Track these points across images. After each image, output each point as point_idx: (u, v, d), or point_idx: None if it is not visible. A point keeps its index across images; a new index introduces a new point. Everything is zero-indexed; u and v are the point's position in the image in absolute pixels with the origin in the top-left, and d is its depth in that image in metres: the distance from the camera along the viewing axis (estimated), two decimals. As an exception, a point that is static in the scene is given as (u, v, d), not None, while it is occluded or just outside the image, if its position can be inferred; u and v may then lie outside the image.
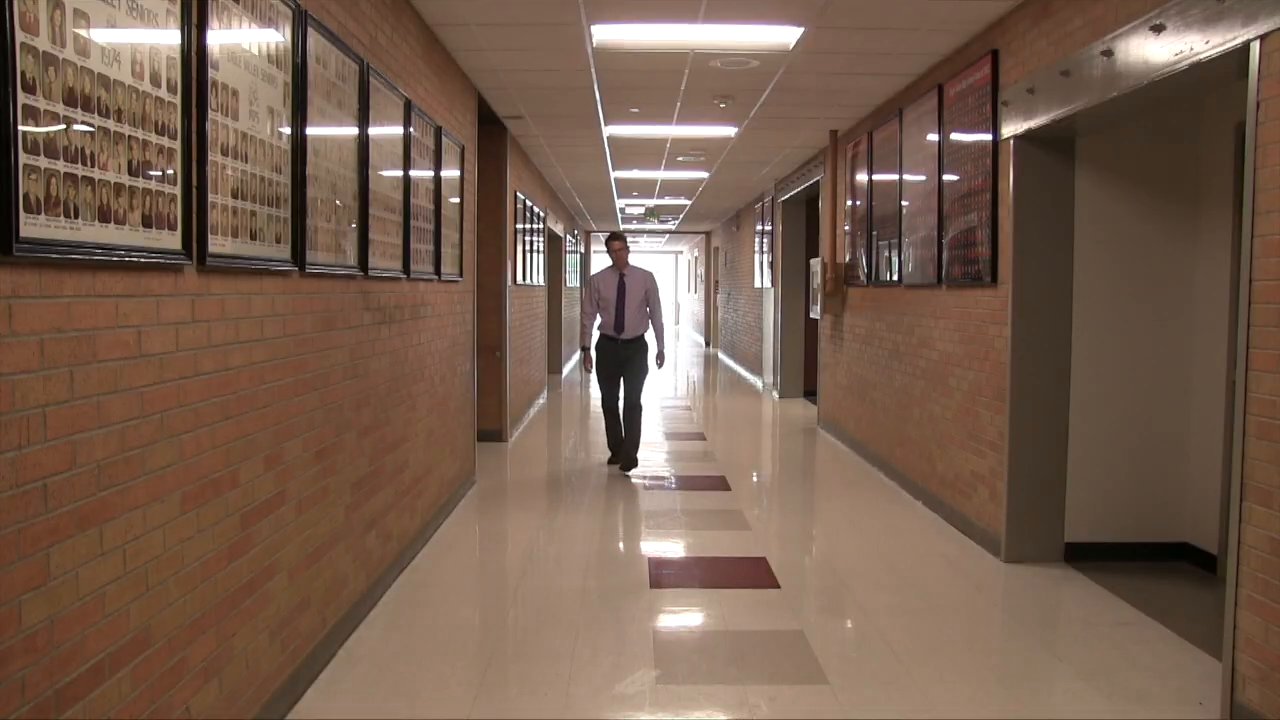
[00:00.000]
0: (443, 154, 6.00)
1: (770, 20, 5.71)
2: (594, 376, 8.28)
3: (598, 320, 8.16)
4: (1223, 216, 5.02)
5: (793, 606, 4.68)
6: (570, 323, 18.00)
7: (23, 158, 1.93)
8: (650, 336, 8.18)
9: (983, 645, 4.33)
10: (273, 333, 3.30)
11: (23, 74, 1.92)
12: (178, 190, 2.58)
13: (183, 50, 2.58)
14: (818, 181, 10.58)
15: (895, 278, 7.50)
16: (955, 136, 6.12)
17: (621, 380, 8.04)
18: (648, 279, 8.11)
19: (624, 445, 7.98)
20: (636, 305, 7.97)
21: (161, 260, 2.50)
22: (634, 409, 7.99)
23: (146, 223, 2.42)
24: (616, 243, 8.13)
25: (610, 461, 8.27)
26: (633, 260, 8.22)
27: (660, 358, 8.30)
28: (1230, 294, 4.91)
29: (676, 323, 38.07)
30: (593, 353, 8.24)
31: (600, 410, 8.50)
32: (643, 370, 8.04)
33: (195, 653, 2.75)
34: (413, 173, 5.21)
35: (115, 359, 2.33)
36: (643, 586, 4.94)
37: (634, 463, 7.94)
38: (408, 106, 5.09)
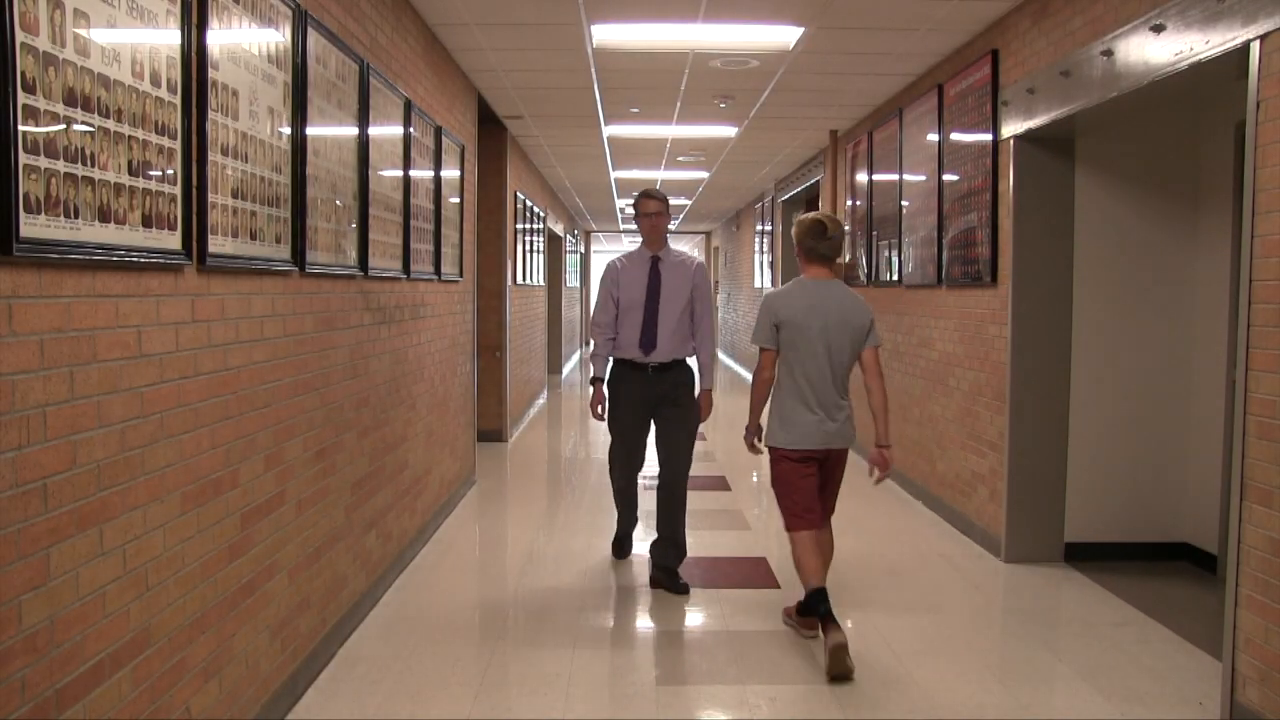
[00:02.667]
0: (443, 154, 5.99)
1: (770, 20, 5.71)
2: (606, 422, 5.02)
3: (609, 344, 4.96)
4: (1223, 216, 5.02)
5: (793, 606, 4.68)
6: (570, 323, 17.98)
7: (23, 158, 1.93)
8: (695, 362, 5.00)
9: (983, 645, 4.32)
10: (273, 333, 3.30)
11: (23, 74, 1.92)
12: (178, 190, 2.58)
13: (183, 50, 2.58)
14: (818, 181, 10.58)
15: (895, 278, 7.51)
16: (955, 136, 6.12)
17: (653, 435, 4.96)
18: (696, 271, 4.91)
19: (660, 539, 4.92)
20: (679, 312, 4.83)
21: (161, 260, 2.50)
22: (676, 487, 4.88)
23: (146, 223, 2.42)
24: (651, 203, 4.89)
25: (617, 553, 5.35)
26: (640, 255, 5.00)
27: (707, 399, 4.92)
28: (1230, 294, 4.90)
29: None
30: (605, 389, 4.97)
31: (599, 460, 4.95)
32: (691, 420, 4.88)
33: (195, 653, 2.75)
34: (413, 173, 5.21)
35: (115, 359, 2.33)
36: (643, 586, 4.93)
37: (677, 571, 4.86)
38: (408, 106, 5.09)
